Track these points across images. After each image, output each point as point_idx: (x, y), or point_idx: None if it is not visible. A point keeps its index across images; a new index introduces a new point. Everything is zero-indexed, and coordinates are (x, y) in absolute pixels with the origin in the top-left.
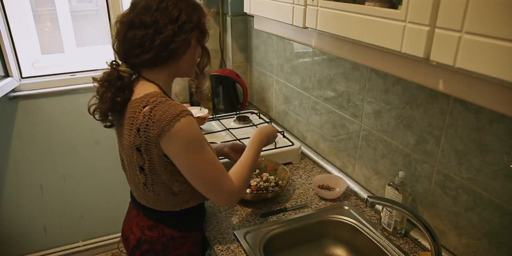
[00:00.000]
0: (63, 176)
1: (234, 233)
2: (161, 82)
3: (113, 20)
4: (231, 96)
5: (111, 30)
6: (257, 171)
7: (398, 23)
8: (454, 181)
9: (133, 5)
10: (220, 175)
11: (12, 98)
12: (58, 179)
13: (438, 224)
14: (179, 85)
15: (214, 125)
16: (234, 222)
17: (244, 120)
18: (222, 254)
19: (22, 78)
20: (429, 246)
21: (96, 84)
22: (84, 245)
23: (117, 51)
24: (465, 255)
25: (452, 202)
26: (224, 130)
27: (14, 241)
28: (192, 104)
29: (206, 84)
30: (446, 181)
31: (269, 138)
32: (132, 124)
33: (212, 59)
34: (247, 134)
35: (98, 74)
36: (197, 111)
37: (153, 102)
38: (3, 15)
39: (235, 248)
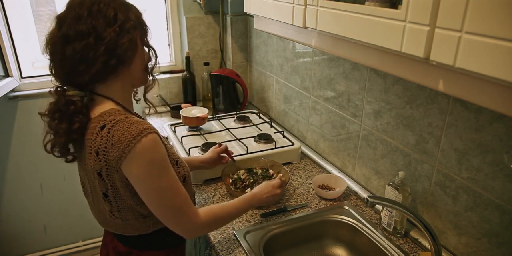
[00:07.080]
0: (63, 176)
1: (234, 233)
2: (117, 95)
3: None
4: (231, 96)
5: (43, 53)
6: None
7: (398, 23)
8: (454, 181)
9: (59, 19)
10: (183, 204)
11: (12, 98)
12: (58, 179)
13: (438, 224)
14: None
15: (214, 125)
16: (234, 222)
17: (244, 120)
18: (222, 254)
19: (22, 78)
20: (429, 246)
21: (45, 118)
22: (84, 245)
23: (57, 76)
24: (465, 255)
25: (452, 202)
26: (224, 130)
27: (14, 241)
28: (193, 104)
29: (153, 86)
30: (446, 181)
31: (261, 201)
32: (91, 147)
33: (212, 59)
34: (247, 134)
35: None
36: (197, 111)
37: (110, 122)
38: (3, 15)
39: (235, 248)
